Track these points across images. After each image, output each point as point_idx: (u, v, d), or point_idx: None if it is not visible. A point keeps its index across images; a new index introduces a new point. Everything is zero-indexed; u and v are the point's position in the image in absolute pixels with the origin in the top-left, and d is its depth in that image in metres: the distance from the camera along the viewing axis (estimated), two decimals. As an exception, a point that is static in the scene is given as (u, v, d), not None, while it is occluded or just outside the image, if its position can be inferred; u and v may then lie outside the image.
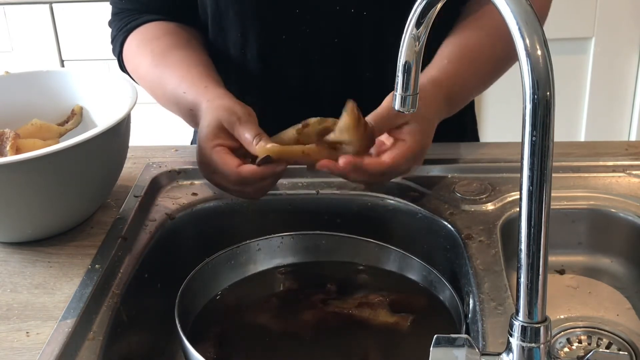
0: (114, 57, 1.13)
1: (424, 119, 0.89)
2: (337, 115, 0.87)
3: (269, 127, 0.89)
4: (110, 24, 1.13)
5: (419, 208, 0.95)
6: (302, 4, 1.01)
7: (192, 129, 1.26)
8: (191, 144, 1.25)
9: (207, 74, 1.00)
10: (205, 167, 0.89)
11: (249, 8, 1.02)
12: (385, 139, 0.90)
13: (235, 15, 1.03)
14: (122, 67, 1.12)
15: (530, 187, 0.58)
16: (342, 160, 0.83)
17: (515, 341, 0.61)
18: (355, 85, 1.05)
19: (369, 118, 0.87)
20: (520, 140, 0.58)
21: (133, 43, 1.08)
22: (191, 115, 0.96)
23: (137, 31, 1.08)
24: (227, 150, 0.87)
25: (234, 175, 0.86)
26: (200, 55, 1.05)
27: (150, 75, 1.04)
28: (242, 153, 0.88)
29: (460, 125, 1.21)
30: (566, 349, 0.87)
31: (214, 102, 0.92)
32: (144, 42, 1.07)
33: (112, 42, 1.12)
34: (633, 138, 2.36)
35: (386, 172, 0.86)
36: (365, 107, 0.87)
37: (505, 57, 1.02)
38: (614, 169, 1.01)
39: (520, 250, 0.60)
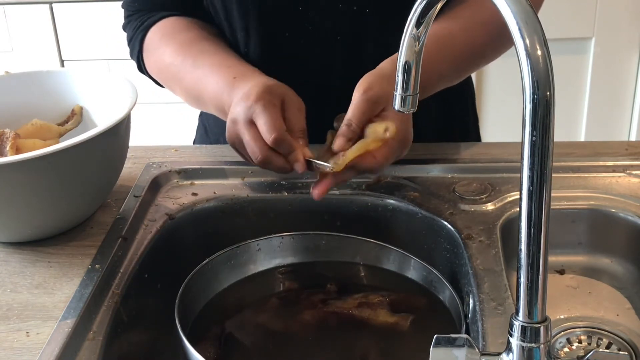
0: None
1: None
2: (338, 111, 0.91)
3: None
4: (125, 26, 1.12)
5: (419, 208, 0.95)
6: (305, 2, 1.01)
7: (193, 129, 1.26)
8: (193, 143, 1.25)
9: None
10: (245, 110, 0.89)
11: (251, 5, 1.02)
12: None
13: (239, 12, 1.03)
14: (141, 66, 1.11)
15: (530, 187, 0.58)
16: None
17: (515, 341, 0.61)
18: (357, 83, 1.05)
19: (348, 115, 0.88)
20: (520, 140, 0.58)
21: (156, 36, 1.07)
22: (232, 83, 0.94)
23: (157, 25, 1.07)
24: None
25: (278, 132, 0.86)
26: (229, 48, 1.06)
27: (180, 58, 1.03)
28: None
29: (464, 124, 1.21)
30: (566, 349, 0.87)
31: (272, 80, 0.93)
32: (168, 34, 1.06)
33: (130, 42, 1.11)
34: (633, 138, 2.36)
35: (379, 167, 0.89)
36: None
37: (481, 43, 1.01)
38: (614, 169, 1.01)
39: (520, 250, 0.60)
